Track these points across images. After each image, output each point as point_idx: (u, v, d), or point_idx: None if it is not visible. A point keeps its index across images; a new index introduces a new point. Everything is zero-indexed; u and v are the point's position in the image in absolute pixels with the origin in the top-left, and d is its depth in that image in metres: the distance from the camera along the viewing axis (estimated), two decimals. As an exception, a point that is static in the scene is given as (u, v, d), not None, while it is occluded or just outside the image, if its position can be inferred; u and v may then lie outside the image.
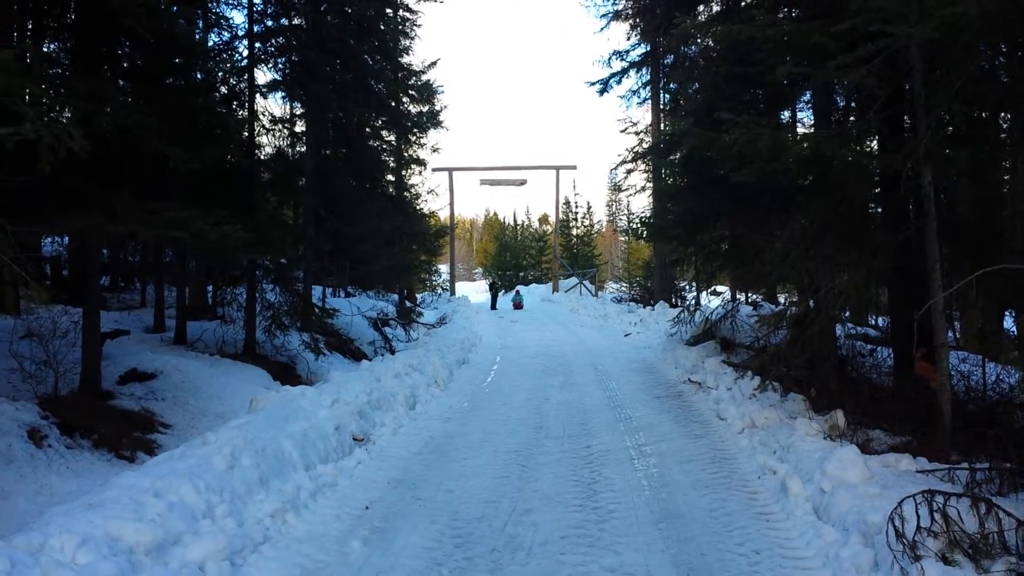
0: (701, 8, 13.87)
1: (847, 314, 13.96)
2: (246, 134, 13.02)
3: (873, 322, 17.83)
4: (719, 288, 29.02)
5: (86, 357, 9.48)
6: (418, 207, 27.41)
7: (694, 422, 9.40)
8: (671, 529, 5.70)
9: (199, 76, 11.62)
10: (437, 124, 25.80)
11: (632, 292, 33.38)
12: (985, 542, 4.47)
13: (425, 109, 25.70)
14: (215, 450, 6.02)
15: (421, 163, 27.59)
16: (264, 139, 14.66)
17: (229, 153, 11.82)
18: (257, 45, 13.36)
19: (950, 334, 10.56)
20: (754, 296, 22.27)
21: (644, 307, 26.25)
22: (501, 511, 6.18)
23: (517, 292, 34.26)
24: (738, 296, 22.69)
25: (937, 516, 4.59)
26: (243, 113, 13.27)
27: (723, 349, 13.23)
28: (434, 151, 28.75)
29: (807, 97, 12.68)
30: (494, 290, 34.21)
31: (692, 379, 11.71)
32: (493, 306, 32.36)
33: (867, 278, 8.66)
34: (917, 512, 4.65)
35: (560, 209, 38.10)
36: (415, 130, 25.37)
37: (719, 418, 9.33)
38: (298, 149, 17.09)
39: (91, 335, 9.53)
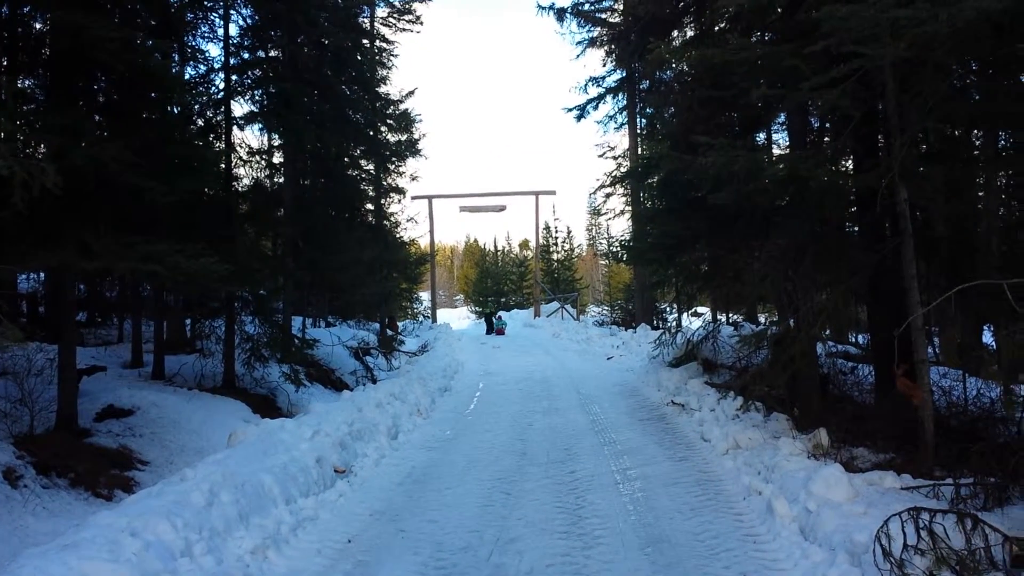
0: (675, 33, 14.01)
1: (827, 332, 14.05)
2: (223, 166, 12.95)
3: (854, 340, 17.92)
4: (700, 309, 29.12)
5: (62, 395, 9.32)
6: (398, 235, 27.38)
7: (678, 444, 9.37)
8: (657, 554, 5.64)
9: (175, 109, 11.58)
10: (416, 152, 25.88)
11: (614, 315, 33.38)
12: (972, 558, 4.46)
13: (403, 138, 25.80)
14: (193, 486, 5.91)
15: (400, 191, 27.61)
16: (242, 171, 14.59)
17: (206, 185, 11.74)
18: (234, 77, 13.33)
19: (930, 350, 10.63)
20: (735, 316, 22.36)
21: (626, 330, 26.26)
22: (486, 540, 6.10)
23: (499, 317, 33.96)
24: (719, 316, 22.78)
25: (923, 533, 4.58)
26: (220, 145, 13.19)
27: (705, 370, 13.23)
28: (413, 179, 28.86)
29: (782, 119, 12.83)
30: (490, 319, 33.86)
31: (675, 401, 11.69)
32: (489, 331, 32.43)
33: (845, 296, 8.72)
34: (903, 530, 4.64)
35: (540, 234, 38.13)
36: (394, 159, 25.42)
37: (703, 440, 9.31)
38: (276, 180, 17.05)
39: (67, 372, 9.38)
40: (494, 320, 32.83)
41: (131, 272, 8.86)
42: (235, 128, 13.46)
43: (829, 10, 5.75)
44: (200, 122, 13.05)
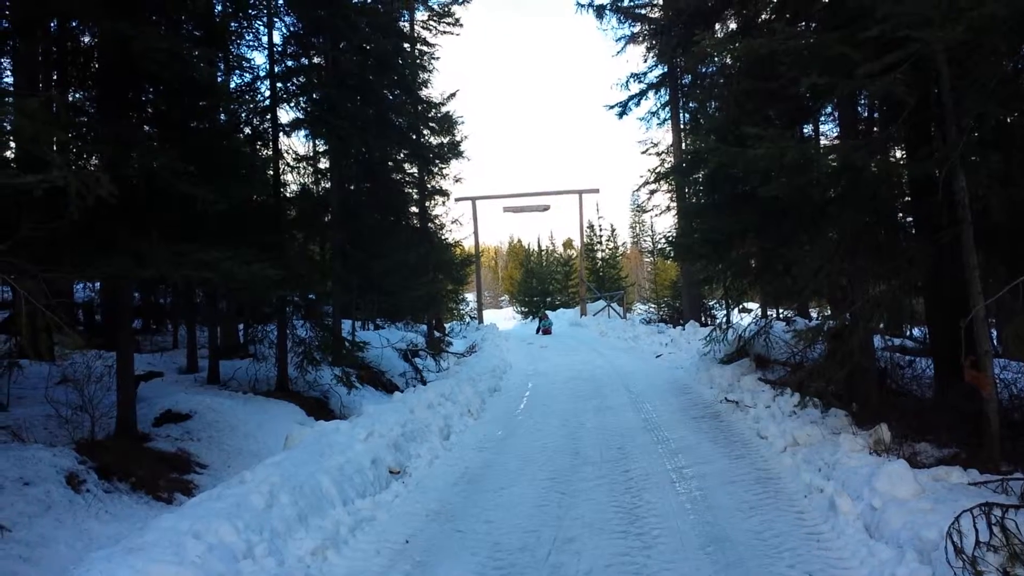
0: (718, 26, 13.84)
1: (883, 326, 13.73)
2: (271, 173, 13.12)
3: (909, 333, 17.52)
4: (749, 305, 28.74)
5: (121, 400, 9.51)
6: (443, 237, 27.51)
7: (734, 442, 9.24)
8: (719, 553, 5.56)
9: (223, 117, 11.75)
10: (458, 154, 25.94)
11: (661, 313, 33.14)
12: (1049, 555, 4.31)
13: (446, 140, 25.86)
14: (253, 488, 5.98)
15: (444, 193, 27.73)
16: (289, 177, 14.79)
17: (255, 192, 11.89)
18: (279, 85, 13.50)
19: (994, 343, 10.34)
20: (786, 312, 22.02)
21: (674, 327, 26.05)
22: (543, 540, 6.08)
23: (545, 317, 34.03)
24: (769, 312, 22.44)
25: (996, 529, 4.44)
26: (267, 152, 13.39)
27: (758, 366, 13.05)
28: (457, 181, 28.88)
29: (828, 109, 12.59)
30: (543, 321, 33.41)
31: (729, 398, 11.53)
32: (538, 331, 32.46)
33: (903, 288, 8.51)
34: (975, 526, 4.50)
35: (584, 233, 38.02)
36: (437, 161, 25.50)
37: (759, 437, 9.17)
38: (323, 185, 17.22)
39: (125, 378, 9.57)
40: (540, 321, 33.07)
41: (184, 279, 9.02)
42: (281, 135, 13.66)
43: (882, -3, 5.62)
44: (247, 130, 13.22)
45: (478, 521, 6.69)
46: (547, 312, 36.43)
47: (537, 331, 32.32)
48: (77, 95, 10.95)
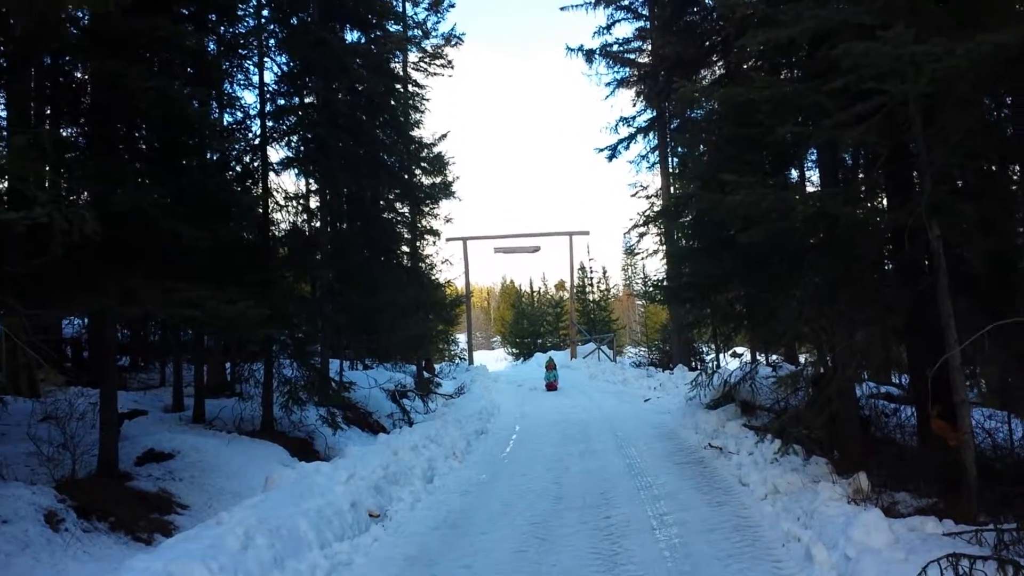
0: (704, 72, 14.10)
1: (866, 373, 13.80)
2: (260, 211, 13.20)
3: (897, 381, 17.57)
4: (738, 349, 28.81)
5: (104, 439, 9.48)
6: (433, 277, 27.56)
7: (716, 489, 9.24)
8: (693, 601, 5.56)
9: (213, 156, 11.86)
10: (449, 195, 26.10)
11: (651, 356, 33.15)
12: (1016, 606, 4.33)
13: (437, 180, 26.03)
14: (229, 530, 5.97)
15: (435, 233, 27.84)
16: (278, 215, 14.88)
17: (244, 231, 11.99)
18: (269, 123, 13.64)
19: (974, 391, 10.39)
20: (773, 356, 22.06)
21: (663, 371, 26.06)
22: (519, 586, 6.06)
23: (552, 366, 26.53)
24: (758, 357, 22.49)
25: (964, 580, 4.46)
26: (257, 190, 13.48)
27: (743, 412, 13.08)
28: (447, 221, 29.01)
29: (815, 156, 12.80)
30: (550, 372, 26.25)
31: (713, 444, 11.55)
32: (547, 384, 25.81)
33: (883, 335, 8.58)
34: (943, 576, 4.53)
35: (575, 274, 38.17)
36: (428, 201, 25.67)
37: (741, 484, 9.18)
38: (313, 224, 17.33)
39: (108, 416, 9.54)
40: (547, 372, 26.25)
41: (170, 317, 9.05)
42: (271, 173, 13.76)
43: (846, 47, 5.77)
44: (237, 168, 13.32)
45: (457, 566, 6.66)
46: (553, 359, 27.96)
47: (547, 386, 25.57)
48: (68, 130, 11.07)
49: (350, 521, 7.52)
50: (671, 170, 26.20)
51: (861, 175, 10.87)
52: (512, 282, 77.08)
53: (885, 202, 9.75)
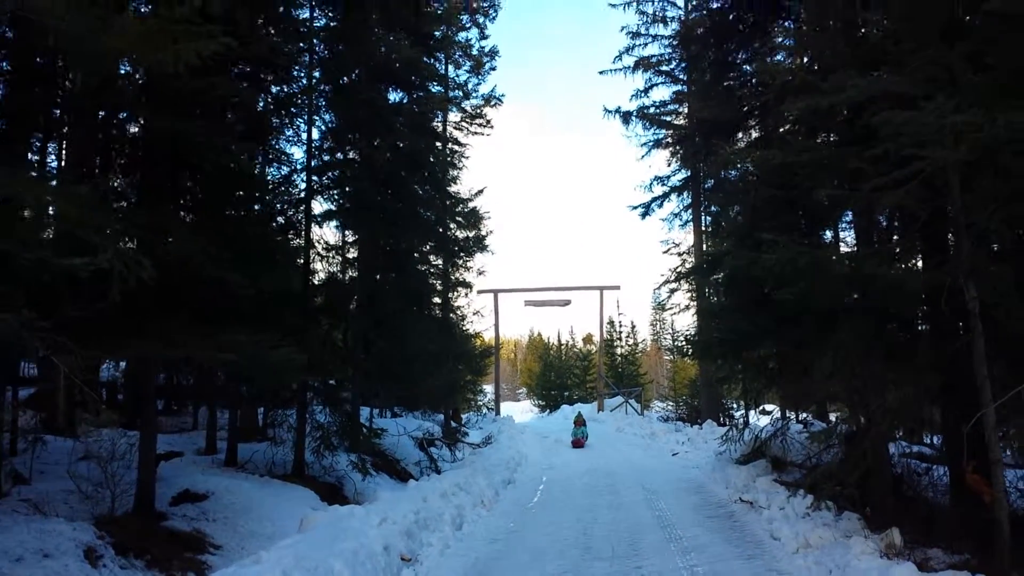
0: (740, 135, 14.33)
1: (900, 432, 13.71)
2: (301, 261, 13.54)
3: (929, 440, 17.38)
4: (767, 407, 28.59)
5: (141, 478, 9.67)
6: (464, 328, 27.79)
7: (747, 542, 9.21)
8: (726, 653, 5.58)
9: (259, 208, 12.23)
10: (483, 248, 26.49)
11: (679, 411, 32.97)
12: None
13: (471, 234, 26.46)
14: (267, 569, 6.10)
15: (467, 285, 28.16)
16: (318, 265, 15.23)
17: (287, 281, 12.28)
18: (314, 178, 14.07)
19: (1007, 452, 10.31)
20: (804, 414, 21.90)
21: (691, 426, 25.91)
22: (551, 635, 6.10)
23: (581, 422, 24.61)
24: (788, 414, 22.33)
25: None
26: (299, 242, 13.84)
27: (774, 468, 13.02)
28: (480, 274, 29.34)
29: (849, 217, 12.93)
30: (578, 428, 24.30)
31: (743, 498, 11.51)
32: (576, 443, 23.80)
33: (916, 394, 8.60)
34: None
35: (604, 328, 38.25)
36: (462, 254, 26.04)
37: (772, 538, 9.15)
38: (349, 273, 17.65)
39: (147, 457, 9.75)
40: (575, 428, 24.45)
41: (211, 361, 9.29)
42: (314, 225, 14.13)
43: (886, 116, 5.95)
44: (281, 220, 13.71)
45: (488, 612, 6.72)
46: (582, 413, 26.03)
47: (573, 442, 23.71)
48: (118, 181, 11.48)
49: (383, 564, 7.60)
50: (704, 228, 26.38)
51: (895, 237, 10.97)
52: (540, 335, 77.18)
53: (920, 264, 9.84)
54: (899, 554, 7.15)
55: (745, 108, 13.98)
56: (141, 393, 8.74)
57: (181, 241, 8.75)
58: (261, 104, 12.70)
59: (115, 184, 11.07)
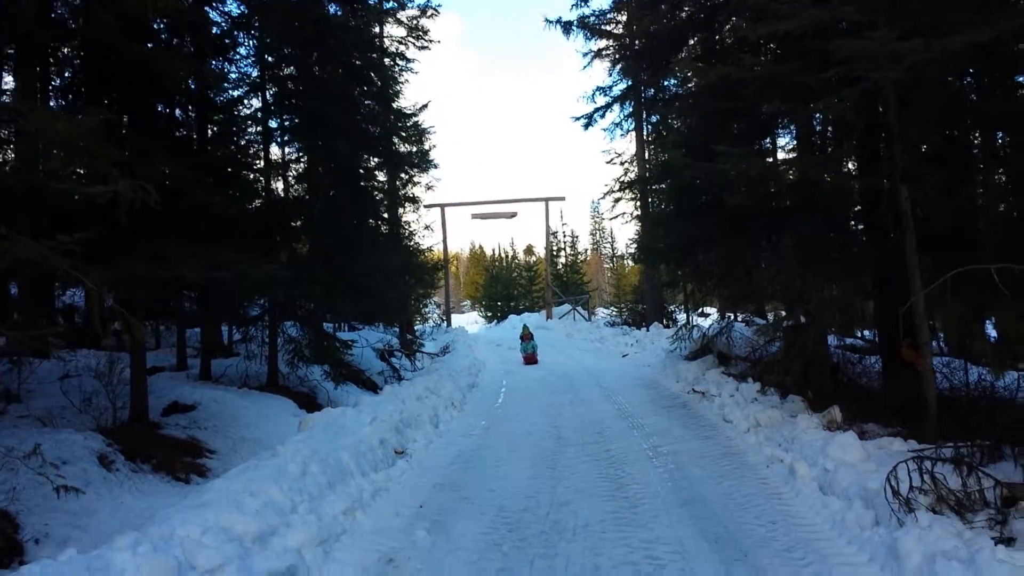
0: (684, 52, 14.83)
1: (834, 327, 14.84)
2: (263, 180, 13.81)
3: (860, 335, 18.70)
4: (707, 310, 29.92)
5: (134, 392, 10.17)
6: (414, 243, 28.23)
7: (702, 426, 10.21)
8: (695, 509, 6.50)
9: (228, 130, 12.48)
10: (428, 163, 26.72)
11: (624, 316, 34.20)
12: (968, 498, 5.29)
13: (416, 149, 26.63)
14: (287, 459, 6.77)
15: (415, 201, 28.46)
16: (276, 184, 15.47)
17: (255, 198, 12.61)
18: (268, 97, 14.22)
19: (934, 343, 11.43)
20: (744, 315, 23.15)
21: (638, 329, 27.08)
22: (542, 503, 6.95)
23: (528, 336, 22.44)
24: (728, 315, 23.56)
25: (926, 477, 5.42)
26: (259, 162, 14.07)
27: (721, 362, 14.06)
28: (428, 188, 29.67)
29: (786, 126, 13.65)
30: (526, 343, 22.29)
31: (696, 389, 12.51)
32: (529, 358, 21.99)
33: (853, 288, 9.55)
34: (909, 475, 5.48)
35: (549, 239, 39.05)
36: (408, 169, 26.25)
37: (725, 421, 10.14)
38: (305, 190, 17.89)
39: (138, 371, 10.22)
40: (522, 343, 22.54)
41: (201, 279, 9.72)
42: (272, 145, 14.34)
43: (841, 43, 6.61)
44: (243, 141, 13.90)
45: (481, 490, 7.53)
46: (527, 326, 23.88)
47: (526, 359, 21.89)
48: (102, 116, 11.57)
49: (380, 456, 8.35)
50: (646, 137, 27.02)
51: (829, 144, 11.76)
52: (481, 248, 77.84)
53: (855, 170, 10.67)
54: (840, 428, 8.14)
55: (688, 20, 14.42)
56: (131, 312, 9.11)
57: (167, 166, 9.07)
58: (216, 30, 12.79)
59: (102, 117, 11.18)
